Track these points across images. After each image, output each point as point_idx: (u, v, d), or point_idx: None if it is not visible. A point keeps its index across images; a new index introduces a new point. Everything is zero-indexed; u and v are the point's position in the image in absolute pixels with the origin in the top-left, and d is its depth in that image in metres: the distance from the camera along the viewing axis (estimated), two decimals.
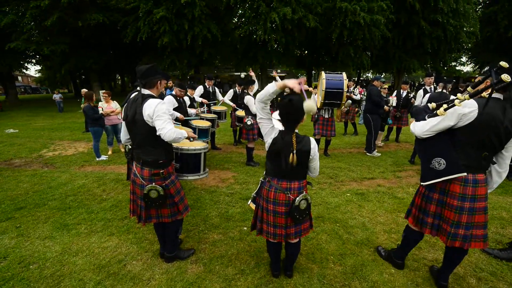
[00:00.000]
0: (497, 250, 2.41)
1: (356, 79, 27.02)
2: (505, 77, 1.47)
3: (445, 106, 1.70)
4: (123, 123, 2.21)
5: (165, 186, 2.12)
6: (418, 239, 2.12)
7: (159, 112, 1.93)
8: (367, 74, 40.38)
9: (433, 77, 5.48)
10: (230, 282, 2.12)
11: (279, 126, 5.09)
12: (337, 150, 6.39)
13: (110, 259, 2.41)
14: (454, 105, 1.61)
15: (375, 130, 5.67)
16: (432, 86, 5.45)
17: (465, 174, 1.73)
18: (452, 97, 1.89)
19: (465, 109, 1.63)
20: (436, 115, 1.73)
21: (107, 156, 5.81)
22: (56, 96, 15.93)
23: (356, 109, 8.27)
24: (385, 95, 6.08)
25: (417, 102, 5.27)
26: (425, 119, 1.82)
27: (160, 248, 2.45)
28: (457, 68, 27.66)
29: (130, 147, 2.34)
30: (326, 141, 5.85)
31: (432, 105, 1.86)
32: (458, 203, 1.77)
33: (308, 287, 2.07)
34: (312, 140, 1.85)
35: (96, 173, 4.83)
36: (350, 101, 7.16)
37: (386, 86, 6.39)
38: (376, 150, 5.89)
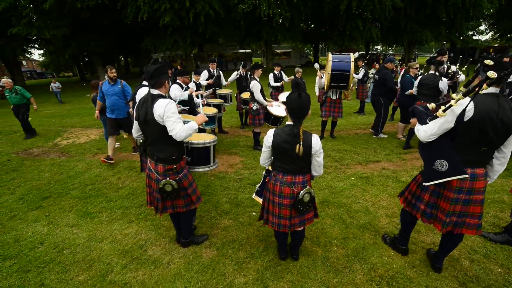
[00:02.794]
0: (493, 233, 2.53)
1: (364, 53, 25.88)
2: (491, 74, 1.54)
3: (443, 107, 1.73)
4: (135, 121, 2.32)
5: (179, 180, 2.27)
6: (413, 221, 2.22)
7: (169, 113, 2.02)
8: (377, 47, 38.55)
9: (446, 56, 5.20)
10: (241, 265, 2.34)
11: (283, 111, 5.08)
12: (343, 131, 6.41)
13: (132, 244, 2.66)
14: (451, 106, 1.65)
15: (385, 113, 5.65)
16: (446, 65, 5.21)
17: (467, 176, 1.78)
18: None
19: (462, 108, 1.67)
20: (436, 117, 1.77)
21: (118, 143, 6.02)
22: (53, 85, 13.97)
23: (368, 85, 8.11)
24: (413, 75, 5.26)
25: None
26: (427, 123, 1.85)
27: (176, 234, 2.67)
28: (474, 37, 26.00)
29: (141, 141, 2.48)
30: (333, 123, 5.88)
31: (432, 105, 1.89)
32: (454, 196, 1.86)
33: (312, 269, 2.27)
34: (314, 136, 1.94)
35: None
36: (355, 80, 7.00)
37: (416, 65, 5.40)
38: (382, 132, 5.90)
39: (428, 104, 1.90)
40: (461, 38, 22.94)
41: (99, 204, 3.47)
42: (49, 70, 38.48)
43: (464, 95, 1.61)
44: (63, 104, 13.36)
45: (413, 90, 4.90)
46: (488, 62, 1.62)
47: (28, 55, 25.98)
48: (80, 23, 17.81)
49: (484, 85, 1.68)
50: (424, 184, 1.96)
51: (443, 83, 4.47)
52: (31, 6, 16.19)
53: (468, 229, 1.92)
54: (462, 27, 21.04)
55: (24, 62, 41.52)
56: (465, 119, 1.69)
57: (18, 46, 18.92)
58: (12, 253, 2.59)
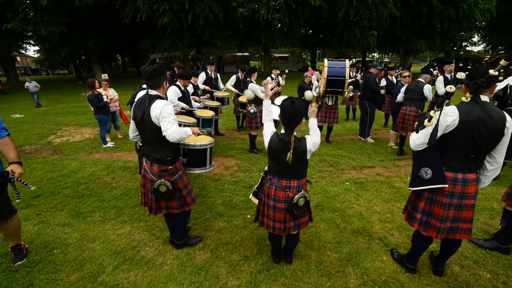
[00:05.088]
0: (482, 240, 2.58)
1: (359, 60, 26.31)
2: (448, 88, 1.70)
3: (434, 114, 1.81)
4: (132, 121, 2.32)
5: (173, 181, 2.27)
6: (425, 242, 2.14)
7: (165, 114, 2.03)
8: (374, 54, 39.21)
9: (453, 64, 5.24)
10: (235, 267, 2.34)
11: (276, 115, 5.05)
12: (338, 136, 6.48)
13: (125, 245, 2.63)
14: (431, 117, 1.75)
15: (371, 116, 5.88)
16: (452, 74, 5.22)
17: (446, 186, 1.85)
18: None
19: (447, 118, 1.73)
20: (425, 127, 1.83)
21: (113, 143, 5.97)
22: (30, 85, 11.43)
23: (359, 93, 8.22)
24: (404, 83, 5.34)
25: (438, 90, 5.11)
26: (417, 132, 1.91)
27: (170, 235, 2.65)
28: (467, 48, 26.70)
29: (141, 144, 2.47)
30: (328, 128, 5.94)
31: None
32: (446, 200, 1.89)
33: (306, 272, 2.28)
34: (308, 139, 1.96)
35: (104, 160, 5.01)
36: (351, 87, 7.10)
37: (406, 74, 5.53)
38: (370, 136, 6.05)
39: (430, 112, 1.88)
40: (455, 48, 23.53)
41: (92, 203, 3.43)
42: (44, 67, 37.99)
43: (438, 106, 1.69)
44: (58, 102, 13.10)
45: (399, 96, 5.13)
46: (459, 75, 1.74)
47: (23, 51, 25.63)
48: (78, 21, 17.69)
49: (467, 94, 1.76)
50: (409, 188, 2.04)
51: (428, 88, 4.68)
52: (28, 1, 16.03)
53: (462, 234, 1.96)
54: (456, 38, 21.59)
55: (18, 58, 40.92)
56: (451, 129, 1.75)
57: (13, 41, 18.68)
58: (0, 252, 2.53)
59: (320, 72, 6.62)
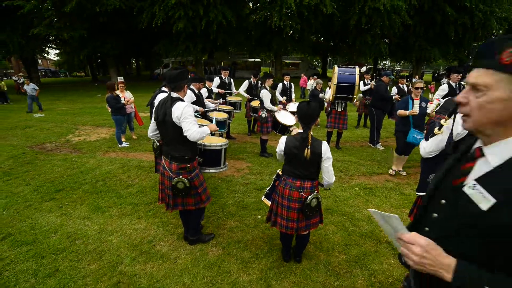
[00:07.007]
0: None
1: (371, 68, 26.18)
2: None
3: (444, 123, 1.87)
4: (152, 121, 2.48)
5: (190, 178, 2.40)
6: None
7: (186, 115, 2.18)
8: (386, 62, 38.89)
9: (461, 75, 5.17)
10: (246, 264, 2.43)
11: (290, 120, 5.24)
12: (348, 143, 6.50)
13: (141, 239, 2.76)
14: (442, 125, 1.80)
15: (378, 123, 5.95)
16: (456, 83, 5.19)
17: None
18: None
19: (458, 127, 1.78)
20: (435, 135, 1.89)
21: (128, 143, 6.20)
22: (28, 88, 10.47)
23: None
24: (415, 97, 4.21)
25: (436, 96, 5.10)
26: (428, 140, 1.97)
27: (184, 231, 2.77)
28: None
29: (157, 143, 2.62)
30: (338, 134, 5.98)
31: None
32: None
33: (314, 272, 2.34)
34: (324, 143, 2.06)
35: (120, 159, 5.22)
36: (361, 95, 7.17)
37: (420, 85, 4.27)
38: (380, 143, 6.07)
39: (442, 121, 1.87)
40: (470, 57, 23.11)
41: (109, 199, 3.60)
42: (63, 69, 39.66)
43: (449, 115, 1.74)
44: (75, 103, 13.61)
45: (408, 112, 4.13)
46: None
47: (45, 55, 26.89)
48: (97, 26, 18.48)
49: None
50: (416, 193, 2.08)
51: None
52: (53, 8, 16.93)
53: None
54: (470, 47, 21.23)
55: (39, 61, 42.85)
56: (461, 136, 1.79)
57: (37, 45, 19.68)
58: (28, 239, 2.72)
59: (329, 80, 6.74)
